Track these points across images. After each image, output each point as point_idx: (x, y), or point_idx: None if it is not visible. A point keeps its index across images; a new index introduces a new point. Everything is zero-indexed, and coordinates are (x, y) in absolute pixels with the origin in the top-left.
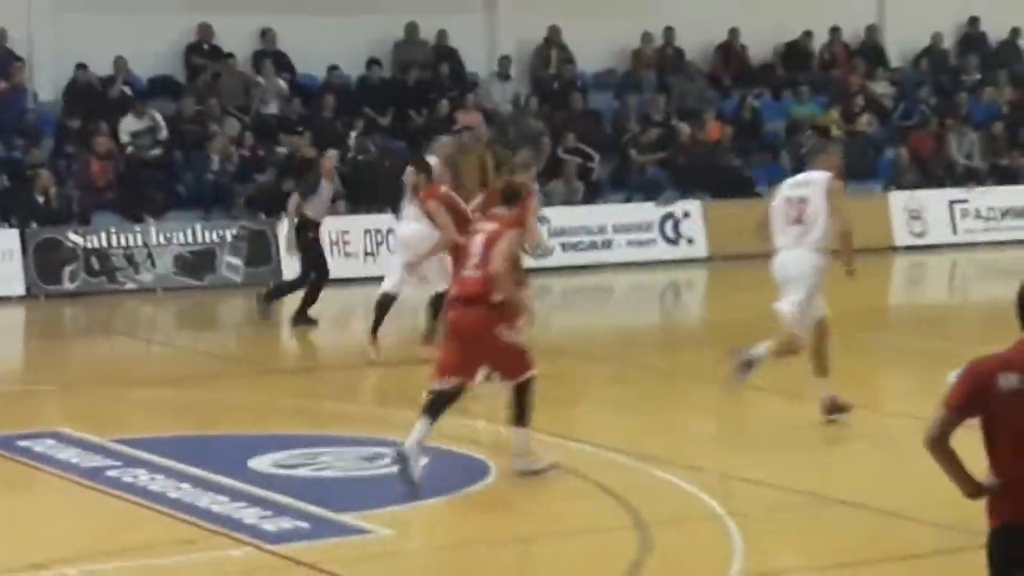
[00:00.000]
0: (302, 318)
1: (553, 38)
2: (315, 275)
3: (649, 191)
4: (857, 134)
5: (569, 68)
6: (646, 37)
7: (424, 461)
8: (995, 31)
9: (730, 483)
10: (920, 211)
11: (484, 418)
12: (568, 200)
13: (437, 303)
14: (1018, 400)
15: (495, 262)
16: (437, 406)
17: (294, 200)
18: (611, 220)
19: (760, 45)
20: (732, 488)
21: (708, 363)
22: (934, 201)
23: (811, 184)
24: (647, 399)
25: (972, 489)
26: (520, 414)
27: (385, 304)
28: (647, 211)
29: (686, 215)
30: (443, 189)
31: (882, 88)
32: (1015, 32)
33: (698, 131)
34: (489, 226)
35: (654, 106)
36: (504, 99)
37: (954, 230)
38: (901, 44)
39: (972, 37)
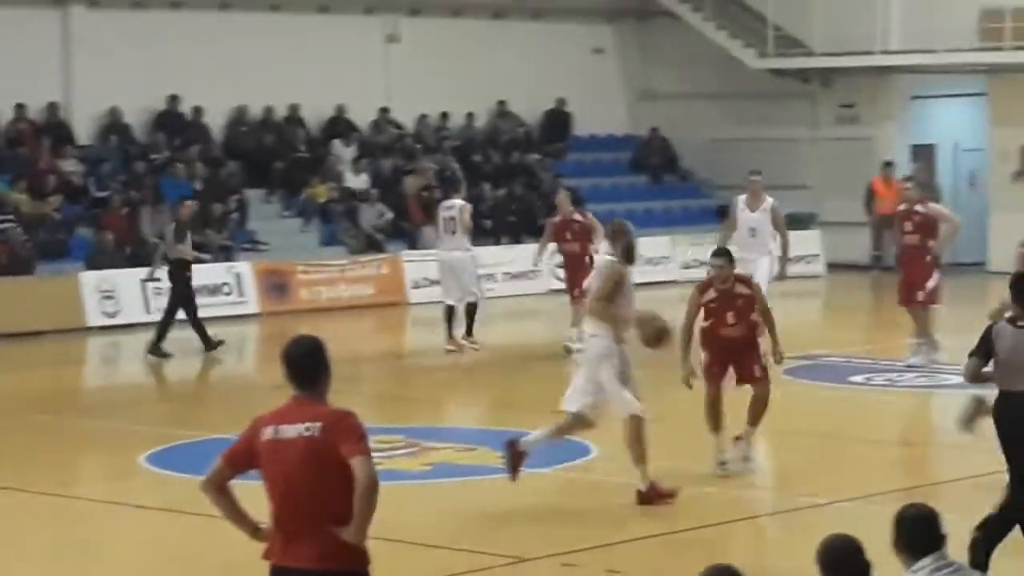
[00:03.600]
0: (157, 349)
1: None
2: (184, 308)
3: None
4: (48, 215)
5: None
6: None
7: None
8: (188, 109)
9: None
10: (113, 290)
11: None
12: None
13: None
14: (272, 449)
15: None
16: None
17: (169, 243)
18: None
19: None
20: None
21: None
22: (127, 280)
23: None
24: None
25: (250, 531)
26: None
27: None
28: None
29: None
30: None
31: (71, 166)
32: (198, 111)
33: None
34: None
35: None
36: None
37: (147, 309)
38: (89, 122)
39: (164, 115)
